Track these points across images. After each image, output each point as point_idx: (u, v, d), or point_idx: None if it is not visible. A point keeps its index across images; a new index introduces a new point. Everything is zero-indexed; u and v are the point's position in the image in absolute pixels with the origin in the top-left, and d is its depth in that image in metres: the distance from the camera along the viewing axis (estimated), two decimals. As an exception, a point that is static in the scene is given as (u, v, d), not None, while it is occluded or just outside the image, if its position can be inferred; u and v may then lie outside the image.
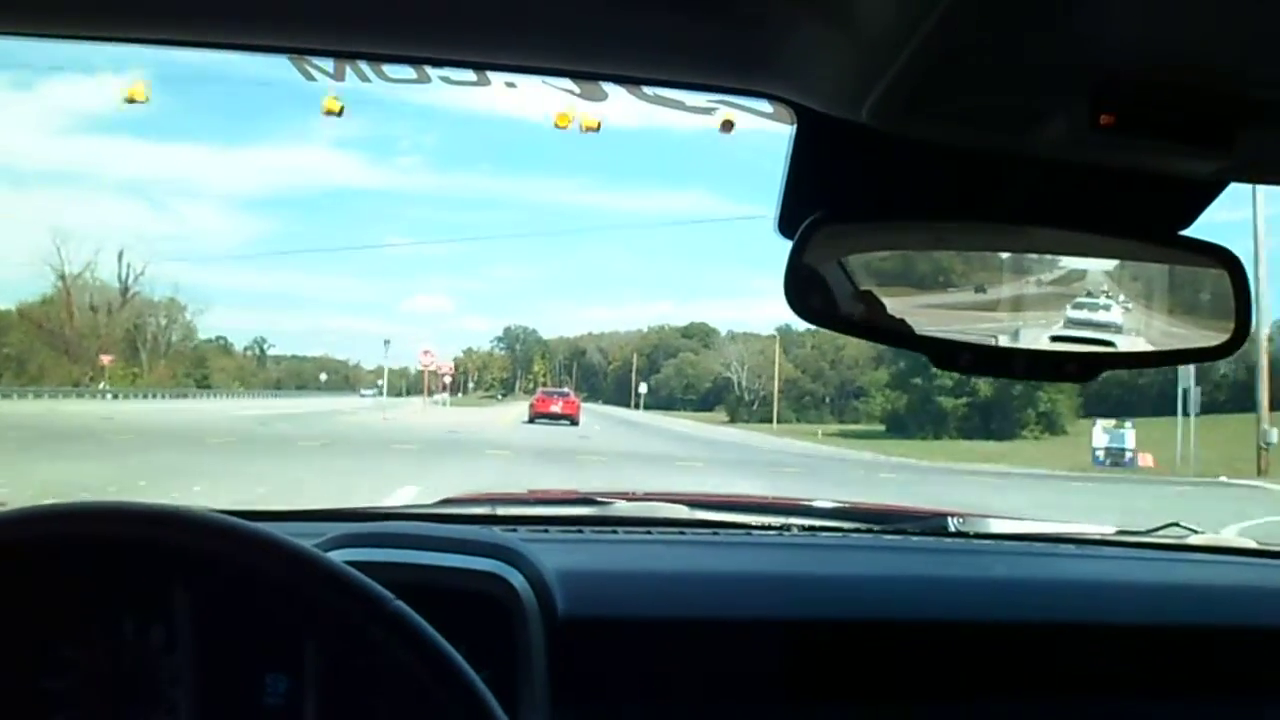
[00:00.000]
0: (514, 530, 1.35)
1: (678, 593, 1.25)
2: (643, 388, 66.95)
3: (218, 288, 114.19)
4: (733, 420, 58.94)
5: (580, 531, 1.44)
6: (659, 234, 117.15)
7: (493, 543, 1.16)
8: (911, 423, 38.27)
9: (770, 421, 54.23)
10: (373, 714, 0.85)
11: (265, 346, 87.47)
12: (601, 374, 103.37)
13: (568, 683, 1.11)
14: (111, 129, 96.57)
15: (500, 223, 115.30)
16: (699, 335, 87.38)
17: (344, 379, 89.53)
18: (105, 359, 44.34)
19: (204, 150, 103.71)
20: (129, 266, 55.12)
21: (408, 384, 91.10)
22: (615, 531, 1.46)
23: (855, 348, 65.98)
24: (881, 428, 42.47)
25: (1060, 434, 36.72)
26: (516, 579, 1.11)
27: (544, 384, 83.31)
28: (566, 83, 0.80)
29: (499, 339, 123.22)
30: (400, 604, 0.76)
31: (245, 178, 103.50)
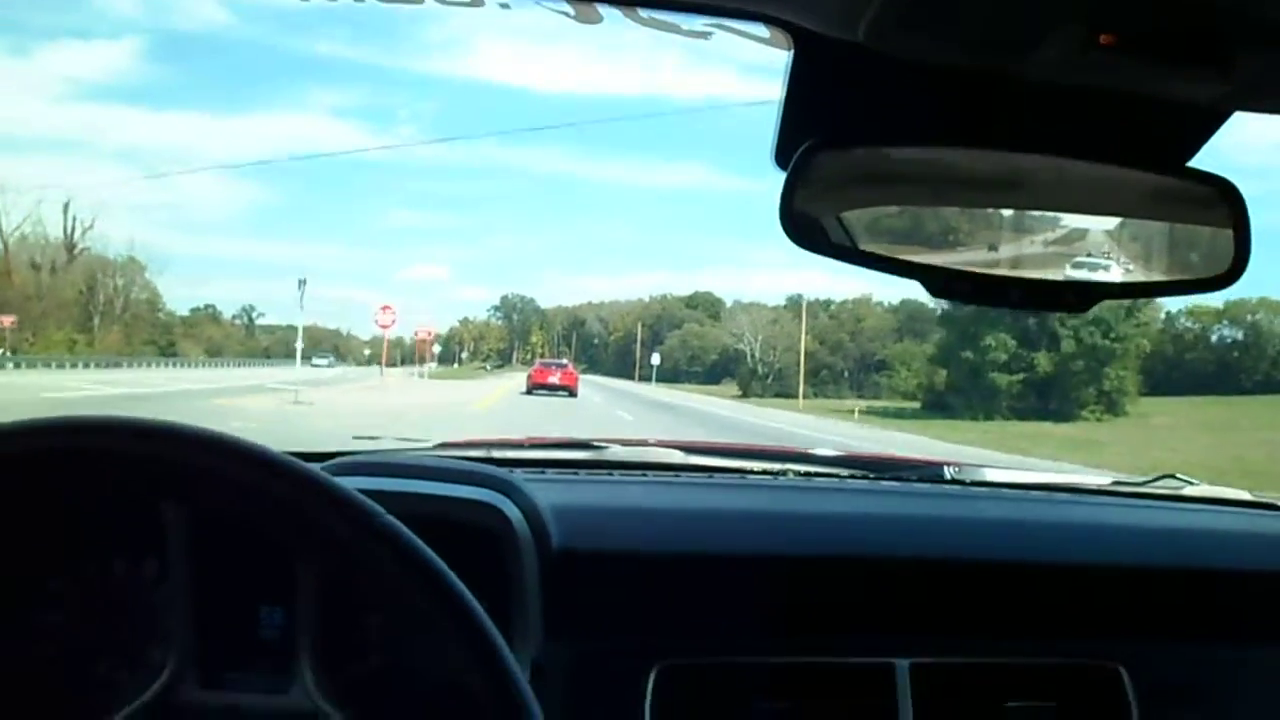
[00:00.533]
0: (510, 472, 1.33)
1: (672, 528, 1.25)
2: (655, 358, 61.97)
3: (214, 257, 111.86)
4: (745, 394, 53.96)
5: (575, 473, 1.45)
6: (659, 206, 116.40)
7: (488, 474, 1.16)
8: (957, 401, 33.74)
9: (787, 396, 49.64)
10: (366, 637, 0.86)
11: (254, 315, 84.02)
12: (602, 345, 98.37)
13: (561, 614, 1.10)
14: (107, 97, 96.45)
15: (500, 193, 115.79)
16: (704, 305, 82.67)
17: (334, 348, 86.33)
18: (5, 320, 38.73)
19: (201, 118, 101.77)
20: (75, 219, 48.63)
21: (402, 353, 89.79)
22: (611, 474, 1.47)
23: (877, 319, 61.86)
24: (910, 404, 38.49)
25: (1121, 415, 32.16)
26: (511, 510, 1.11)
27: (542, 354, 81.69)
28: (561, 4, 0.77)
29: (495, 308, 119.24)
30: (391, 519, 0.74)
31: (243, 146, 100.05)
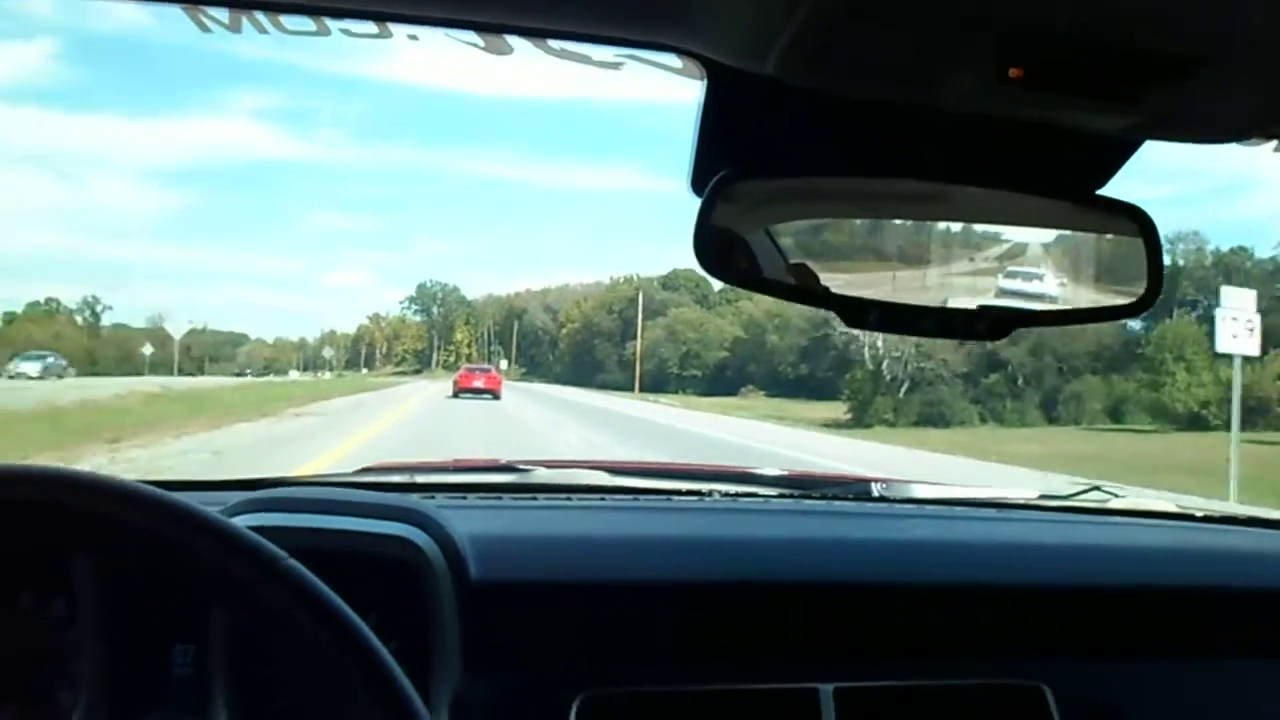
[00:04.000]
0: (431, 498, 1.33)
1: (593, 556, 1.24)
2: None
3: (132, 261, 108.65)
4: (860, 419, 30.68)
5: (499, 498, 1.43)
6: (587, 206, 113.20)
7: (401, 506, 1.14)
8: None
9: (936, 422, 29.44)
10: (278, 679, 0.86)
11: (99, 310, 71.57)
12: (549, 341, 77.42)
13: (481, 647, 1.09)
14: (18, 98, 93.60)
15: (424, 197, 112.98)
16: (687, 286, 62.18)
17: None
18: None
19: (117, 121, 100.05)
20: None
21: (304, 357, 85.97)
22: (535, 498, 1.44)
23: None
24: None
25: None
26: (425, 542, 1.09)
27: (469, 356, 73.58)
28: (471, 35, 0.77)
29: (411, 299, 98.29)
30: (292, 562, 0.74)
31: (160, 150, 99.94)
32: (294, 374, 67.07)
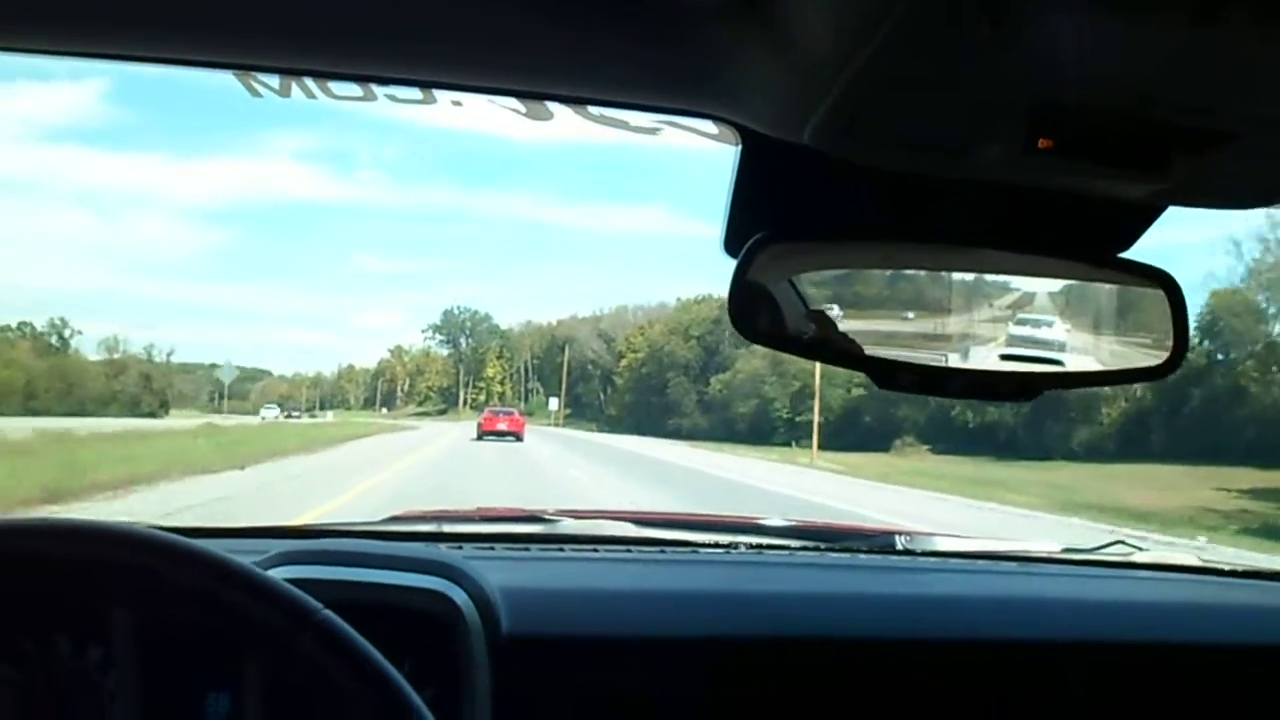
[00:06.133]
0: (459, 548, 1.35)
1: (622, 611, 1.25)
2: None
3: (167, 301, 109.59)
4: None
5: (527, 549, 1.43)
6: (632, 249, 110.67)
7: (435, 560, 1.15)
8: None
9: None
10: None
11: (66, 333, 61.59)
12: (600, 376, 63.29)
13: (512, 701, 1.10)
14: (65, 139, 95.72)
15: (461, 238, 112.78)
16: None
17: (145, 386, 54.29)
18: None
19: (160, 161, 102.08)
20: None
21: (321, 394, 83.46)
22: (562, 549, 1.45)
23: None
24: None
25: None
26: (459, 596, 1.10)
27: (501, 395, 67.81)
28: (513, 101, 0.80)
29: (436, 328, 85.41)
30: (328, 613, 0.76)
31: (201, 190, 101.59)
32: (270, 412, 54.92)
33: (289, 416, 54.54)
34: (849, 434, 36.11)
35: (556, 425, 49.22)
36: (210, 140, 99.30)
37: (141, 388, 53.68)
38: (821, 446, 34.33)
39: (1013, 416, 31.53)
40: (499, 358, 77.45)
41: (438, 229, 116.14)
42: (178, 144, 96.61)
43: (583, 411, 60.76)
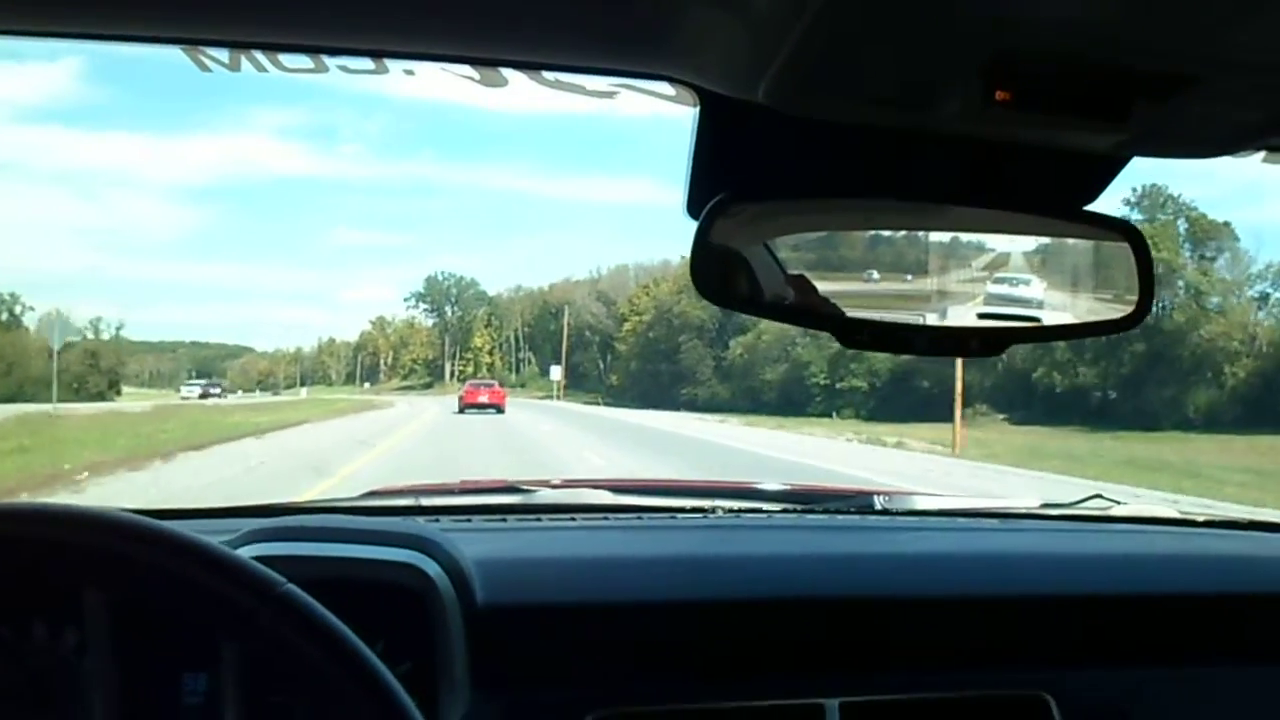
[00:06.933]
0: (436, 520, 1.34)
1: (598, 577, 1.25)
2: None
3: (154, 280, 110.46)
4: None
5: (504, 520, 1.44)
6: (624, 218, 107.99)
7: (408, 533, 1.15)
8: None
9: None
10: (288, 706, 0.85)
11: (17, 309, 53.42)
12: (602, 343, 58.01)
13: (490, 670, 1.11)
14: (43, 119, 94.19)
15: (447, 211, 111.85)
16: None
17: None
18: None
19: (141, 139, 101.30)
20: None
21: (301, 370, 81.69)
22: (539, 519, 1.45)
23: None
24: None
25: None
26: (432, 568, 1.10)
27: (490, 366, 66.15)
28: (466, 69, 0.80)
29: (419, 296, 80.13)
30: (290, 587, 0.75)
31: (185, 167, 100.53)
32: (190, 390, 49.19)
33: (204, 397, 48.00)
34: (899, 402, 31.26)
35: (557, 399, 43.60)
36: (192, 119, 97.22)
37: (87, 366, 48.25)
38: (867, 417, 29.22)
39: (1104, 380, 26.62)
40: (487, 326, 72.44)
41: (424, 201, 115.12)
42: (157, 122, 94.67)
43: (580, 382, 55.49)
